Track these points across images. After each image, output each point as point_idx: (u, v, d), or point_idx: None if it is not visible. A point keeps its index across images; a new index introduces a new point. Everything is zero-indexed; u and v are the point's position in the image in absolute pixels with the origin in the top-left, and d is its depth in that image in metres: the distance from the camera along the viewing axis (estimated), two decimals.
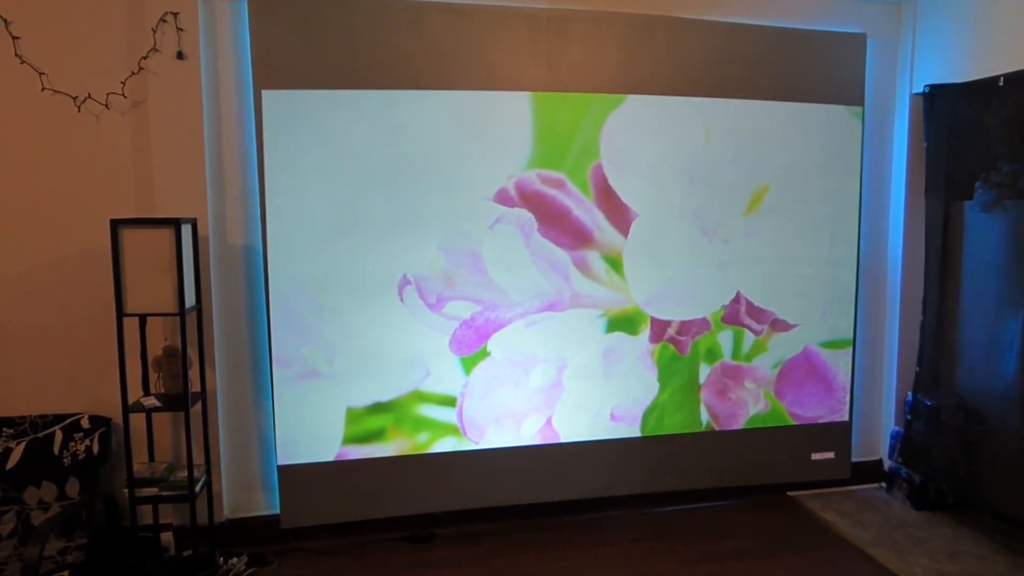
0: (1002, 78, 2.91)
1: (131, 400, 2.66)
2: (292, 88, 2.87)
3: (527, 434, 3.23)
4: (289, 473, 3.03)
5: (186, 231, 2.65)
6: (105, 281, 2.76)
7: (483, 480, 3.22)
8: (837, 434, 3.55)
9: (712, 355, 3.37)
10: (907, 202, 3.45)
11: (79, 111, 2.75)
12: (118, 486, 2.87)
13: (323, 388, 3.03)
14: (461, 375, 3.14)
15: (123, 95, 2.78)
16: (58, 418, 2.82)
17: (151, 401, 2.69)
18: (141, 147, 2.82)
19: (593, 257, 3.20)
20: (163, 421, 2.94)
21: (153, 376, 2.82)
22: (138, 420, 2.81)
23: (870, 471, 3.66)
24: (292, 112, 2.89)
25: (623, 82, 3.16)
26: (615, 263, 3.23)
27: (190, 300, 2.70)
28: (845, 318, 3.49)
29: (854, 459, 3.61)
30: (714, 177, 3.28)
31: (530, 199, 3.12)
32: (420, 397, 3.12)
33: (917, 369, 3.41)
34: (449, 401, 3.15)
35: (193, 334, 2.80)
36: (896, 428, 3.53)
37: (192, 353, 2.81)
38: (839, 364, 3.51)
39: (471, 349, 3.14)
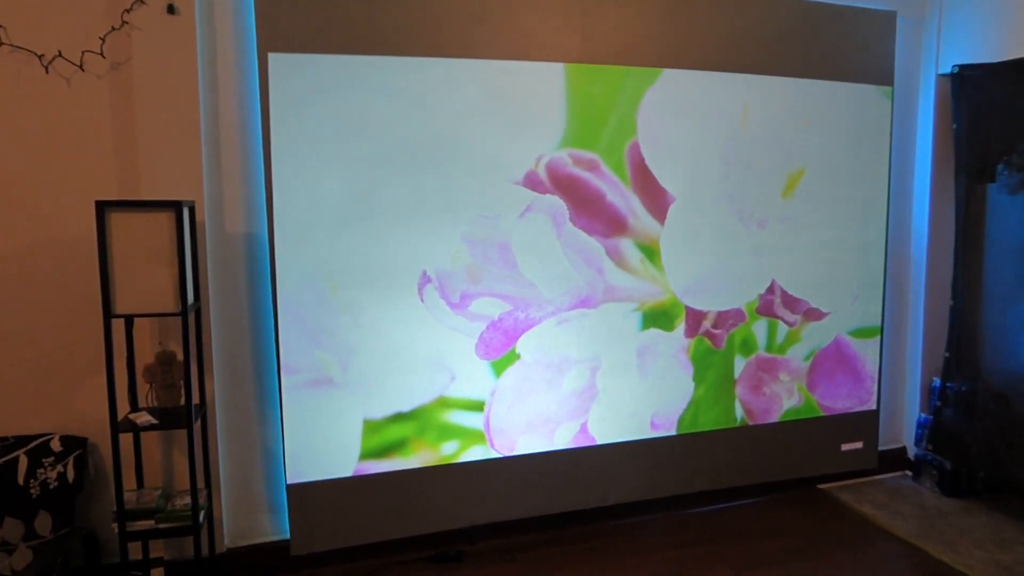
0: None
1: (117, 417, 2.24)
2: (302, 52, 2.50)
3: (561, 443, 2.97)
4: (300, 493, 2.65)
5: (185, 216, 2.25)
6: (80, 276, 2.35)
7: (514, 489, 2.94)
8: (865, 423, 3.46)
9: (747, 347, 3.20)
10: (933, 185, 3.39)
11: (47, 72, 2.29)
12: (99, 519, 2.44)
13: (337, 397, 2.67)
14: (490, 377, 2.84)
15: (101, 54, 2.33)
16: (22, 440, 2.37)
17: (145, 418, 2.27)
18: (123, 117, 2.38)
19: (627, 246, 2.97)
20: (150, 439, 2.51)
21: (143, 387, 2.39)
22: (123, 440, 2.38)
23: (894, 459, 3.60)
24: (302, 79, 2.51)
25: (660, 55, 2.93)
26: (650, 252, 3.00)
27: (191, 297, 2.29)
28: (874, 305, 3.39)
29: (879, 448, 3.53)
30: (750, 159, 3.10)
31: (562, 183, 2.85)
32: (445, 404, 2.80)
33: (947, 355, 3.35)
34: (477, 406, 2.85)
35: (190, 337, 2.39)
36: (923, 415, 3.47)
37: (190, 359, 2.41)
38: (867, 353, 3.42)
39: (499, 352, 2.84)
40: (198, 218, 2.46)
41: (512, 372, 2.87)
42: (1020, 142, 3.13)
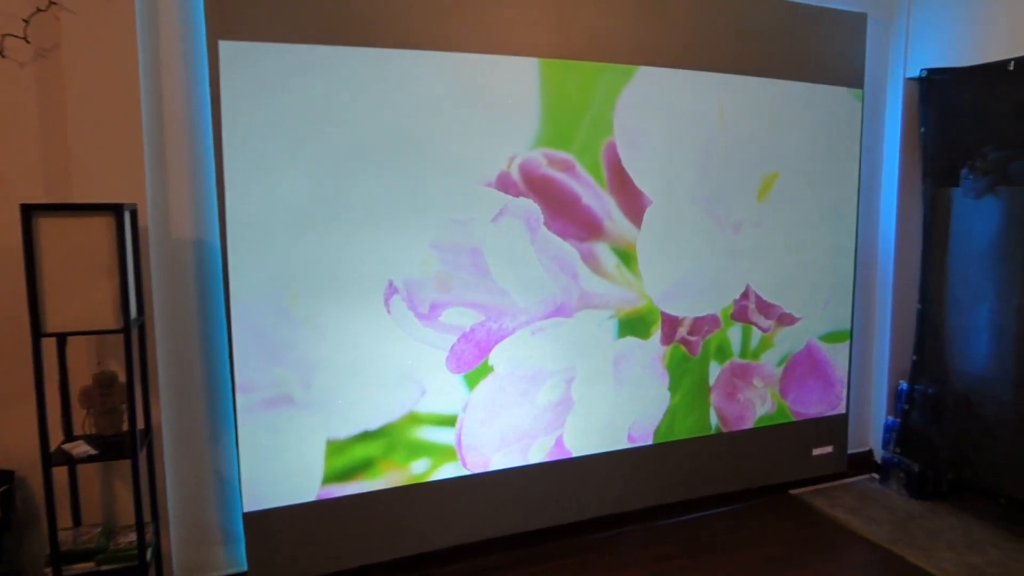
0: (1012, 62, 2.88)
1: (49, 447, 1.99)
2: (258, 40, 2.27)
3: (536, 458, 2.84)
4: (258, 521, 2.44)
5: (127, 221, 2.01)
6: (4, 290, 2.07)
7: (488, 508, 2.79)
8: (834, 427, 3.45)
9: (722, 353, 3.14)
10: (900, 188, 3.39)
11: None
12: (30, 562, 2.18)
13: (298, 417, 2.46)
14: (463, 390, 2.68)
15: (24, 39, 2.06)
16: None
17: (82, 448, 2.02)
18: (52, 109, 2.12)
19: (602, 250, 2.85)
20: (88, 471, 2.25)
21: (79, 414, 2.14)
22: (56, 473, 2.12)
23: (861, 462, 3.60)
24: (257, 70, 2.29)
25: (636, 51, 2.81)
26: (626, 256, 2.89)
27: (133, 311, 2.05)
28: (844, 309, 3.38)
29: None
30: (727, 161, 3.03)
31: (536, 185, 2.71)
32: (416, 420, 2.63)
33: (915, 358, 3.36)
34: (449, 421, 2.69)
35: (134, 356, 2.15)
36: (890, 418, 3.48)
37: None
38: (837, 358, 3.40)
39: (471, 365, 2.69)
40: (141, 223, 2.22)
41: (485, 385, 2.72)
42: (984, 146, 3.16)
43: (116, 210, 1.93)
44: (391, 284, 2.54)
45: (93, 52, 2.12)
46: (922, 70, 3.24)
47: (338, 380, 2.50)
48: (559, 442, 2.87)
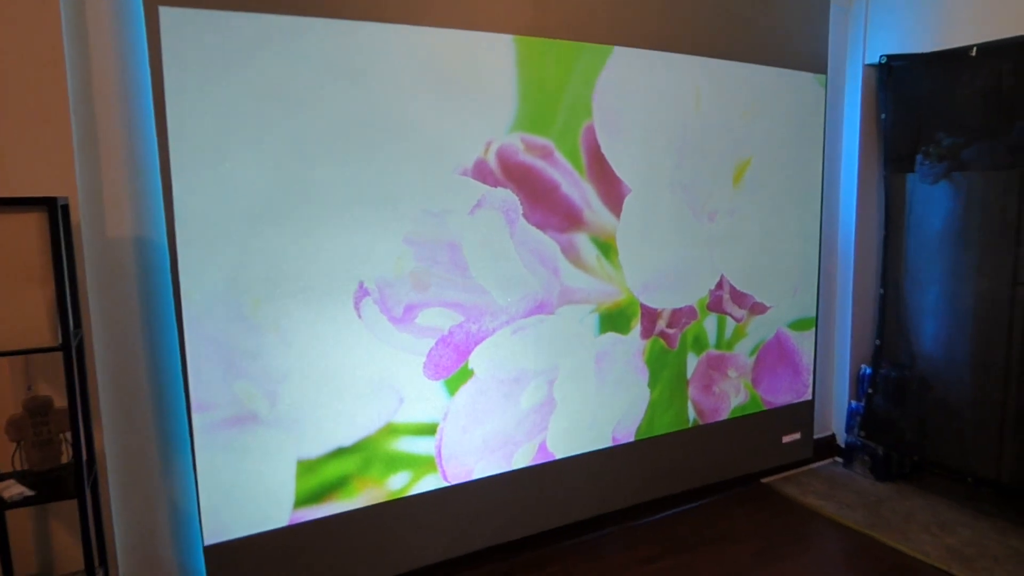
0: (975, 48, 2.93)
1: None
2: (205, 7, 1.98)
3: (519, 463, 2.68)
4: (221, 554, 2.16)
5: (59, 218, 1.69)
6: None
7: (470, 518, 2.61)
8: (801, 414, 3.47)
9: (699, 345, 3.07)
10: (860, 175, 3.43)
11: None
12: None
13: (264, 436, 2.19)
14: (444, 396, 2.48)
15: None
16: None
17: (15, 489, 1.70)
18: None
19: (583, 242, 2.71)
20: (19, 512, 1.91)
21: (7, 447, 1.80)
22: None
23: (824, 447, 3.65)
24: (206, 42, 2.00)
25: (614, 31, 2.67)
26: (606, 248, 2.76)
27: (72, 325, 1.74)
28: (810, 295, 3.39)
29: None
30: (703, 147, 2.95)
31: (514, 173, 2.54)
32: (393, 431, 2.41)
33: (878, 342, 3.42)
34: (429, 429, 2.48)
35: (75, 376, 1.83)
36: (853, 403, 3.54)
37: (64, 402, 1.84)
38: (804, 345, 3.41)
39: (450, 370, 2.49)
40: (72, 219, 1.89)
41: (465, 391, 2.52)
42: (938, 132, 3.23)
43: (49, 204, 1.61)
44: (361, 286, 2.30)
45: (5, 18, 1.77)
46: (881, 56, 3.27)
47: (307, 393, 2.25)
48: (542, 446, 2.72)
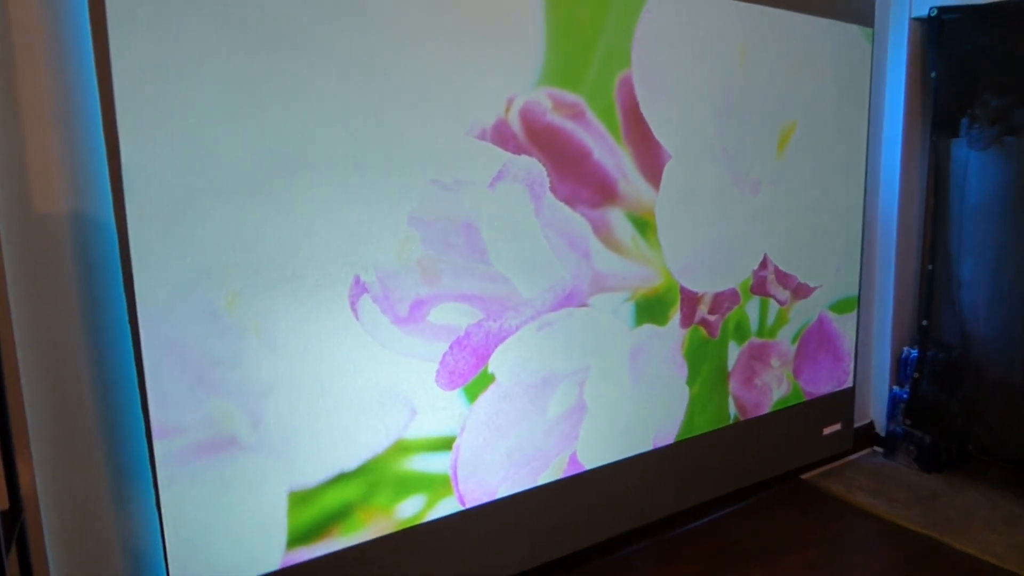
0: None
1: None
2: None
3: (547, 479, 2.29)
4: None
5: None
6: None
7: (493, 544, 2.22)
8: (842, 403, 3.15)
9: (741, 333, 2.71)
10: (904, 140, 3.09)
11: None
12: None
13: (247, 464, 1.76)
14: (462, 404, 2.08)
15: None
16: None
17: None
18: None
19: (617, 218, 2.31)
20: None
21: None
22: None
23: (862, 436, 3.34)
24: None
25: None
26: (643, 225, 2.37)
27: None
28: (852, 274, 3.06)
29: None
30: (747, 108, 2.56)
31: (539, 137, 2.12)
32: (404, 448, 2.00)
33: (924, 323, 3.11)
34: (447, 444, 2.07)
35: None
36: (896, 388, 3.23)
37: None
38: (846, 329, 3.08)
39: (468, 377, 2.08)
40: None
41: (485, 399, 2.12)
42: (986, 93, 2.91)
43: None
44: (358, 281, 1.87)
45: None
46: (931, 8, 2.92)
47: (299, 408, 1.82)
48: (572, 458, 2.34)
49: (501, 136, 2.05)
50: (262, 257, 1.72)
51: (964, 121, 2.97)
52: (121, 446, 1.71)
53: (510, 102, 2.05)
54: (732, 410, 2.75)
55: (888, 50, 3.08)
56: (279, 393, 1.78)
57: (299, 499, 1.85)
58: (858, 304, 3.10)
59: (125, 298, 1.57)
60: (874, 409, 3.36)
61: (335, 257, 1.83)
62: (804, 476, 3.13)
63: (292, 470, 1.82)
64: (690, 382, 2.59)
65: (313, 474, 1.85)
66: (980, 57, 2.85)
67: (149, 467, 1.64)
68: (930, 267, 3.08)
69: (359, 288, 1.87)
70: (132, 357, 1.60)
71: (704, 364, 2.63)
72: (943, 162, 3.02)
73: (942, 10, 2.90)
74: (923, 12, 2.95)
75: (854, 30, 2.84)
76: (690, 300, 2.53)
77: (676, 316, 2.51)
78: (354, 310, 1.87)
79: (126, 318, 1.59)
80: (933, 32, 2.95)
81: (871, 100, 2.97)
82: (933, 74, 2.98)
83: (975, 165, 2.95)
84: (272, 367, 1.77)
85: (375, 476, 1.95)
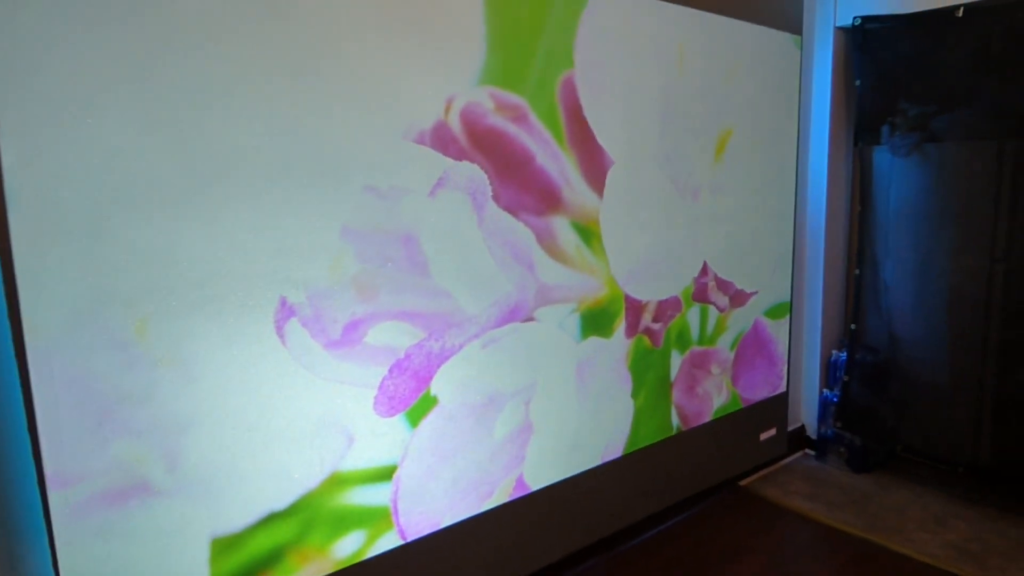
0: (961, 8, 2.70)
1: None
2: None
3: (493, 504, 2.16)
4: None
5: None
6: None
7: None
8: (776, 408, 3.18)
9: (683, 341, 2.67)
10: (831, 147, 3.16)
11: None
12: None
13: (161, 512, 1.55)
14: (404, 430, 1.92)
15: None
16: None
17: None
18: None
19: (561, 226, 2.22)
20: None
21: None
22: None
23: (793, 440, 3.39)
24: None
25: None
26: (586, 233, 2.29)
27: None
28: (784, 279, 3.09)
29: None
30: (686, 113, 2.53)
31: (481, 140, 1.99)
32: (341, 481, 1.82)
33: (853, 326, 3.18)
34: (387, 474, 1.91)
35: None
36: (827, 392, 3.30)
37: None
38: (779, 334, 3.12)
39: (408, 401, 1.93)
40: None
41: (428, 424, 1.97)
42: (905, 101, 3.01)
43: None
44: (284, 303, 1.69)
45: None
46: (855, 18, 2.99)
47: (222, 444, 1.62)
48: (519, 480, 2.22)
49: (441, 140, 1.91)
50: (176, 276, 1.52)
51: (885, 128, 3.07)
52: (9, 499, 1.46)
53: (450, 102, 1.92)
54: (675, 420, 2.71)
55: (815, 58, 3.14)
56: (199, 428, 1.58)
57: (223, 546, 1.64)
58: (791, 309, 3.14)
59: (10, 327, 1.34)
60: (806, 413, 3.43)
61: (261, 274, 1.64)
62: (742, 482, 3.13)
63: (215, 514, 1.62)
64: (635, 394, 2.53)
65: (239, 517, 1.66)
66: (901, 66, 2.94)
67: (44, 522, 1.41)
68: (857, 272, 3.16)
69: (286, 311, 1.69)
70: (20, 396, 1.37)
71: (648, 374, 2.57)
72: (867, 168, 3.10)
73: (865, 19, 2.97)
74: (847, 21, 3.02)
75: (784, 37, 2.87)
76: (635, 309, 2.47)
77: (621, 326, 2.44)
78: (280, 335, 1.69)
79: (12, 350, 1.35)
80: (857, 41, 3.02)
81: (800, 107, 3.02)
82: (857, 82, 3.06)
83: (897, 172, 3.05)
84: (190, 400, 1.56)
85: (309, 514, 1.77)
